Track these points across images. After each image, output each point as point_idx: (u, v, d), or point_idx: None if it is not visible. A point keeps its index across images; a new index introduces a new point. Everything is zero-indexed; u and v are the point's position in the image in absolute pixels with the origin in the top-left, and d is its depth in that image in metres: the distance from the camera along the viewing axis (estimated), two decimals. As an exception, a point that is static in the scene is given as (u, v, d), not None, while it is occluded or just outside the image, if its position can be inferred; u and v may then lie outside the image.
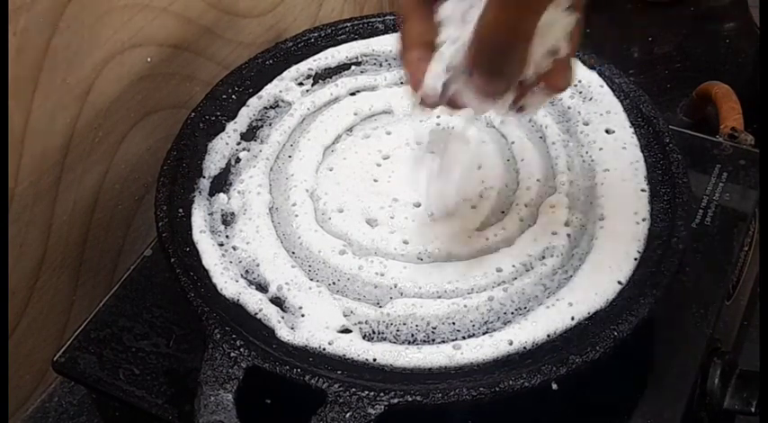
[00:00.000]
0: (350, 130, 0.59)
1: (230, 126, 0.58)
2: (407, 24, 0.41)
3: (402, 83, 0.61)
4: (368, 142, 0.58)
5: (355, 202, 0.54)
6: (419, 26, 0.41)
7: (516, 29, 0.35)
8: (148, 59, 0.64)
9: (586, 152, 0.55)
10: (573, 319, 0.47)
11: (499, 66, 0.37)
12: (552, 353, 0.45)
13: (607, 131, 0.56)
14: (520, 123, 0.58)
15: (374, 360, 0.45)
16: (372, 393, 0.42)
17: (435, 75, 0.41)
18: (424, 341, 0.47)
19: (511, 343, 0.46)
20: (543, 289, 0.49)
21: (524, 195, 0.53)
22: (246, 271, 0.50)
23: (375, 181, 0.55)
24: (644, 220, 0.51)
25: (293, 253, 0.51)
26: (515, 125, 0.58)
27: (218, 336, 0.45)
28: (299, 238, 0.52)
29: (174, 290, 0.49)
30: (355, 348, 0.46)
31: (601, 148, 0.55)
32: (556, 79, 0.41)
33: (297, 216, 0.53)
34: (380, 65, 0.63)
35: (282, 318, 0.47)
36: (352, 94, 0.61)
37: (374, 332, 0.47)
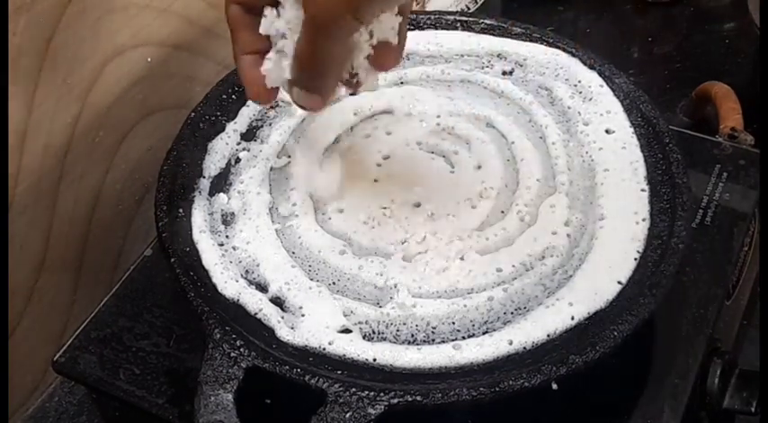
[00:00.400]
0: (350, 130, 0.59)
1: (230, 126, 0.58)
2: (237, 35, 0.45)
3: (402, 83, 0.61)
4: (368, 142, 0.58)
5: (355, 202, 0.54)
6: (248, 36, 0.45)
7: (325, 56, 0.41)
8: (149, 60, 0.64)
9: (586, 152, 0.55)
10: (573, 318, 0.47)
11: (315, 83, 0.43)
12: (552, 353, 0.45)
13: (607, 131, 0.56)
14: (520, 123, 0.58)
15: (374, 360, 0.45)
16: (372, 393, 0.42)
17: (266, 80, 0.45)
18: (424, 341, 0.47)
19: (511, 343, 0.46)
20: (543, 289, 0.49)
21: (524, 195, 0.53)
22: (246, 271, 0.50)
23: (375, 181, 0.55)
24: (644, 220, 0.51)
25: (293, 253, 0.51)
26: (516, 125, 0.58)
27: (218, 336, 0.45)
28: (299, 238, 0.52)
29: (174, 290, 0.49)
30: (355, 348, 0.46)
31: (601, 148, 0.55)
32: (384, 62, 0.46)
33: (297, 216, 0.53)
34: (380, 65, 0.63)
35: (282, 318, 0.47)
36: (353, 93, 0.61)
37: (374, 332, 0.47)
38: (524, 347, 0.46)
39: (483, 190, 0.54)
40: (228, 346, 0.44)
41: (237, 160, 0.57)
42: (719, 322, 0.54)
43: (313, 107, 0.45)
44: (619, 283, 0.48)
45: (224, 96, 0.60)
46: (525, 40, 0.62)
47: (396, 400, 0.42)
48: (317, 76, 0.42)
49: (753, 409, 0.51)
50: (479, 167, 0.56)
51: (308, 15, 0.39)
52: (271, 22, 0.44)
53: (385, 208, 0.53)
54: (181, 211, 0.53)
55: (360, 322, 0.48)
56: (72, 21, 0.56)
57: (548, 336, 0.46)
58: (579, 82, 0.59)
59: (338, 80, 0.44)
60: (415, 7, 0.49)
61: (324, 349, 0.46)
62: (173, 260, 0.49)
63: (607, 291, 0.48)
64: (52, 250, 0.60)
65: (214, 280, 0.49)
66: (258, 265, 0.50)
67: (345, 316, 0.48)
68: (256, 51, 0.45)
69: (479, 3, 0.94)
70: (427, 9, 0.84)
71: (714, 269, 0.55)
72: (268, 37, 0.45)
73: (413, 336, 0.47)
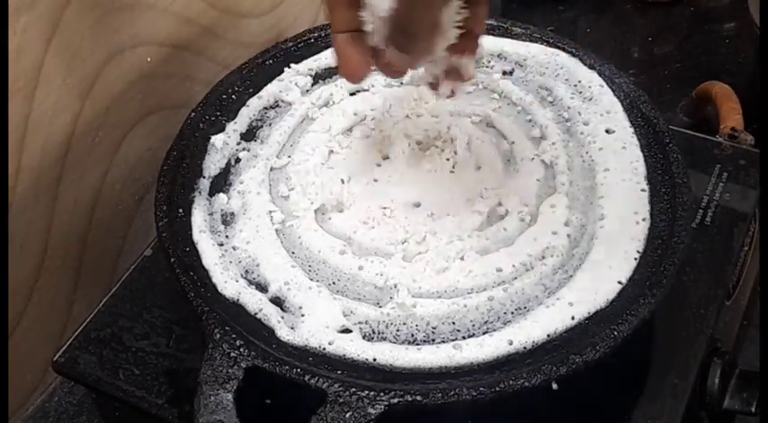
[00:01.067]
0: (350, 130, 0.59)
1: (230, 126, 0.58)
2: (334, 13, 0.46)
3: (402, 83, 0.61)
4: (368, 142, 0.58)
5: (355, 202, 0.54)
6: (344, 14, 0.46)
7: (419, 21, 0.43)
8: (148, 59, 0.64)
9: (586, 152, 0.55)
10: (573, 318, 0.47)
11: (407, 46, 0.44)
12: (552, 353, 0.45)
13: (607, 131, 0.56)
14: (520, 123, 0.58)
15: (374, 360, 0.45)
16: (372, 393, 0.42)
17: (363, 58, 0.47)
18: (424, 341, 0.47)
19: (511, 343, 0.46)
20: (543, 289, 0.49)
21: (525, 195, 0.53)
22: (246, 271, 0.50)
23: (375, 181, 0.55)
24: (644, 219, 0.51)
25: (293, 253, 0.51)
26: (516, 125, 0.58)
27: (218, 336, 0.45)
28: (299, 238, 0.52)
29: (174, 290, 0.49)
30: (355, 348, 0.46)
31: (601, 148, 0.55)
32: (467, 49, 0.48)
33: (297, 216, 0.53)
34: (380, 65, 0.63)
35: (282, 318, 0.47)
36: (352, 94, 0.61)
37: (374, 332, 0.47)
38: (524, 347, 0.46)
39: (483, 190, 0.54)
40: (228, 346, 0.44)
41: (237, 160, 0.57)
42: (719, 322, 0.54)
43: (403, 66, 0.47)
44: (619, 282, 0.48)
45: (224, 96, 0.60)
46: (525, 40, 0.62)
47: (396, 400, 0.42)
48: (410, 39, 0.44)
49: (753, 410, 0.51)
50: (479, 167, 0.56)
51: None
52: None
53: (385, 208, 0.53)
54: (181, 211, 0.53)
55: (360, 322, 0.48)
56: (72, 21, 0.56)
57: (548, 336, 0.46)
58: (579, 82, 0.59)
59: (429, 49, 0.45)
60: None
61: (324, 349, 0.46)
62: (173, 260, 0.49)
63: (607, 290, 0.48)
64: (52, 250, 0.60)
65: (214, 280, 0.49)
66: (258, 265, 0.50)
67: (345, 316, 0.48)
68: (352, 29, 0.46)
69: (479, 3, 0.94)
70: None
71: (714, 269, 0.55)
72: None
73: (413, 336, 0.47)
